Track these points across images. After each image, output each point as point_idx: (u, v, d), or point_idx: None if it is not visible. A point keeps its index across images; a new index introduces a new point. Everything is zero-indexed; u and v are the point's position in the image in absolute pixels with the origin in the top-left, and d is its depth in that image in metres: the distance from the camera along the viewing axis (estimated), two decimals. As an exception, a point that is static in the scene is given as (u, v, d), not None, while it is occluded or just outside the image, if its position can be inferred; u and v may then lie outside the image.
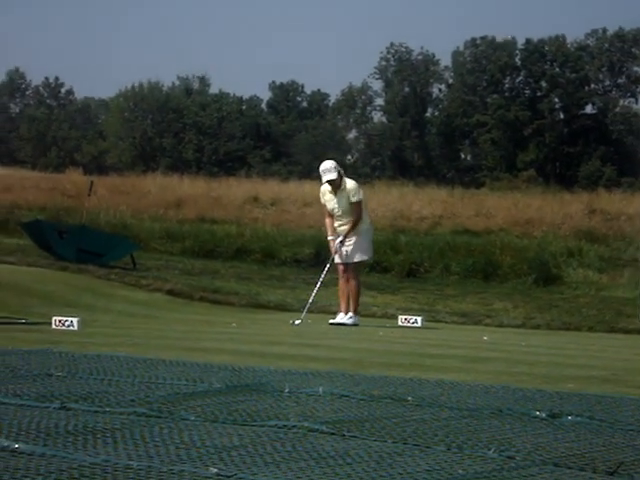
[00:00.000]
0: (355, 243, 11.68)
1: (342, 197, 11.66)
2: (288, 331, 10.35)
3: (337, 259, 11.77)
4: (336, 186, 11.65)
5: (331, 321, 11.64)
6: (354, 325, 11.46)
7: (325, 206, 11.84)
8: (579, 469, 3.57)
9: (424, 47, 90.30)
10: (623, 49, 78.08)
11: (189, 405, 4.56)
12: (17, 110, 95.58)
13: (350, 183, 11.77)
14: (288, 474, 3.27)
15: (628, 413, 4.83)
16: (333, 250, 11.74)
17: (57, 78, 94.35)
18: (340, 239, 11.66)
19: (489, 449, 3.79)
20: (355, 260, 11.71)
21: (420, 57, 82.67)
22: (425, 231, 26.36)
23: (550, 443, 4.01)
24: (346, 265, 11.76)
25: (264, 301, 15.48)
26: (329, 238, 11.83)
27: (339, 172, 11.67)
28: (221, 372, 5.80)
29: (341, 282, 11.80)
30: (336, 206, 11.67)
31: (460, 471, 3.44)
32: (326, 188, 11.77)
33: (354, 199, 11.61)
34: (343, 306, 11.72)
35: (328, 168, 11.62)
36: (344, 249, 11.68)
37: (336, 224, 11.75)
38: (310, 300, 12.19)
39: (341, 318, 11.63)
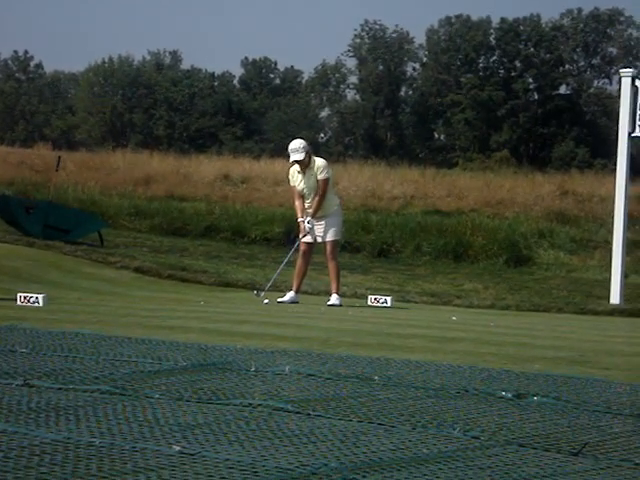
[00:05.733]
0: (326, 224, 11.66)
1: (311, 176, 11.62)
2: (256, 310, 10.32)
3: (306, 238, 11.73)
4: (304, 165, 11.61)
5: (279, 299, 11.58)
6: (339, 306, 11.44)
7: (294, 188, 11.78)
8: (543, 449, 3.57)
9: (399, 25, 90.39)
10: (598, 29, 78.19)
11: (154, 383, 4.53)
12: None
13: (319, 161, 11.73)
14: (252, 452, 3.25)
15: (594, 394, 4.85)
16: (302, 230, 11.69)
17: (26, 51, 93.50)
18: (308, 219, 11.60)
19: (454, 429, 3.79)
20: (329, 239, 11.67)
21: (394, 35, 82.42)
22: (396, 211, 26.38)
23: (515, 423, 4.01)
24: (311, 245, 11.73)
25: (233, 279, 15.44)
26: (299, 220, 11.78)
27: (307, 151, 11.61)
28: (187, 350, 5.77)
29: (300, 261, 11.76)
30: (305, 186, 11.63)
31: (424, 450, 3.44)
32: (295, 168, 11.73)
33: (320, 176, 11.57)
34: (295, 285, 11.71)
35: (296, 148, 11.56)
36: (316, 231, 11.64)
37: (306, 204, 11.70)
38: (275, 275, 12.20)
39: (291, 297, 11.61)
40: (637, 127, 14.60)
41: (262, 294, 11.42)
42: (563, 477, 3.20)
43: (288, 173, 11.96)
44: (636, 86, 14.58)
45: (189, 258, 18.26)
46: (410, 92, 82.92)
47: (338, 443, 3.47)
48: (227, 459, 3.12)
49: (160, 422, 3.66)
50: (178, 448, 3.24)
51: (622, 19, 78.44)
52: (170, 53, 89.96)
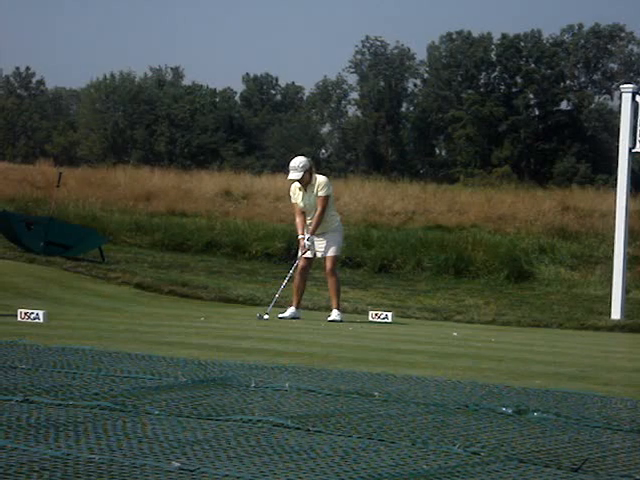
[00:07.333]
0: (327, 240, 11.68)
1: (312, 193, 11.64)
2: (257, 325, 10.31)
3: (307, 254, 11.75)
4: (305, 182, 11.63)
5: (280, 315, 11.59)
6: (340, 321, 11.44)
7: (296, 205, 11.80)
8: (544, 465, 3.56)
9: (400, 41, 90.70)
10: (599, 45, 78.39)
11: (154, 399, 4.52)
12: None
13: (320, 178, 11.75)
14: (252, 468, 3.24)
15: (594, 410, 4.84)
16: (302, 247, 11.69)
17: (28, 68, 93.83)
18: (307, 236, 11.61)
19: (454, 445, 3.78)
20: (330, 254, 11.68)
21: (395, 51, 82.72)
22: (397, 226, 26.35)
23: (515, 439, 4.00)
24: (310, 261, 11.74)
25: (233, 295, 15.42)
26: (299, 237, 11.79)
27: (309, 168, 11.63)
28: (187, 366, 5.76)
29: (298, 277, 11.78)
30: (307, 203, 11.65)
31: (424, 466, 3.43)
32: (296, 185, 11.75)
33: (320, 193, 11.59)
34: (295, 300, 11.73)
35: (295, 167, 11.60)
36: (316, 246, 11.66)
37: (307, 221, 11.73)
38: (277, 294, 12.16)
39: (291, 312, 11.62)
40: (638, 142, 14.61)
41: (265, 317, 11.37)
42: (563, 493, 3.19)
43: (289, 190, 11.97)
44: (637, 102, 14.60)
45: (190, 274, 18.25)
46: (411, 108, 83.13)
47: (338, 459, 3.46)
48: (226, 475, 3.12)
49: (160, 438, 3.66)
50: (178, 464, 3.24)
51: (623, 35, 78.73)
52: (172, 69, 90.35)
